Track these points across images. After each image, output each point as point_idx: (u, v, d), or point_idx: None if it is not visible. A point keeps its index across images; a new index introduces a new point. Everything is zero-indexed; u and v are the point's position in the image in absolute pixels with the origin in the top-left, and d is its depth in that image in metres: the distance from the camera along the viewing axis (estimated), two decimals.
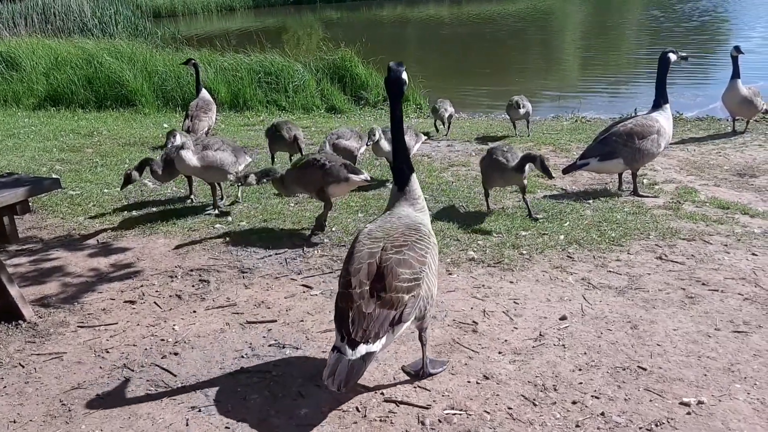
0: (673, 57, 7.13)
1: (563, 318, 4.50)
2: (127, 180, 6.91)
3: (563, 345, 4.19)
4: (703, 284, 4.90)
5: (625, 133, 6.92)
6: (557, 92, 16.08)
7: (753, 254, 5.41)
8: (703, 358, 3.95)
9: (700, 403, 3.53)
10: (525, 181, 6.43)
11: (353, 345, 3.14)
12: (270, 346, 4.31)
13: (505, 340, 4.26)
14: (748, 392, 3.61)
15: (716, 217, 6.27)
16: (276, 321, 4.63)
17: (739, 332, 4.22)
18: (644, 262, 5.35)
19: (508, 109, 10.30)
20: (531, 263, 5.41)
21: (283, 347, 4.28)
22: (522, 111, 10.07)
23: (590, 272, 5.19)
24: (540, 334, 4.32)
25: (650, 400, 3.58)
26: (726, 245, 5.62)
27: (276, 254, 5.81)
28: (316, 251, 5.81)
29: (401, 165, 3.85)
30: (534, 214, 6.46)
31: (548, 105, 14.57)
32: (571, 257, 5.48)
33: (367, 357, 3.16)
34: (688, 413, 3.45)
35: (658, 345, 4.11)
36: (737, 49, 9.66)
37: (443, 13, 41.96)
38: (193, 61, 10.78)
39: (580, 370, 3.91)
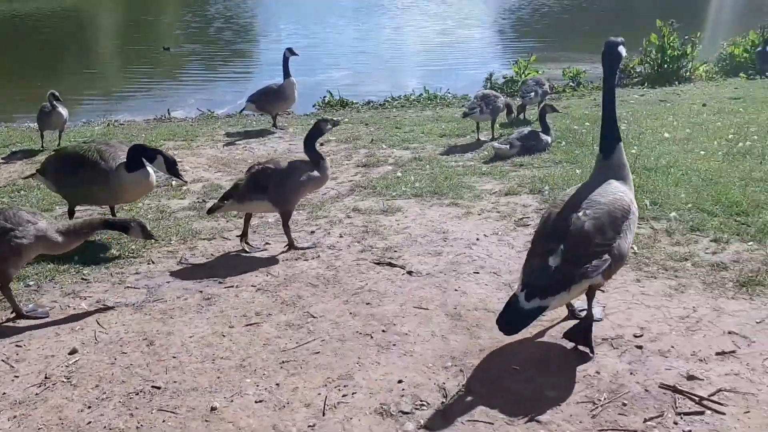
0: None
1: (73, 351, 4.04)
2: None
3: (72, 383, 3.74)
4: (220, 282, 4.93)
5: None
6: (90, 94, 15.11)
7: (267, 243, 5.71)
8: (217, 360, 3.94)
9: (213, 409, 3.48)
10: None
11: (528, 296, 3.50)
12: None
13: (3, 393, 3.63)
14: (257, 384, 3.70)
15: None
16: None
17: (251, 324, 4.33)
18: (164, 270, 5.17)
19: (39, 117, 9.20)
20: (39, 294, 4.78)
21: None
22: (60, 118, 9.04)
23: (106, 292, 4.80)
24: (46, 377, 3.80)
25: (163, 421, 3.41)
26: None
27: None
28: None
29: (608, 132, 3.95)
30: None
31: (81, 108, 13.54)
32: (86, 279, 5.00)
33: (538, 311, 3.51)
34: (206, 420, 3.38)
35: (174, 357, 3.97)
36: (290, 51, 10.31)
37: None
38: None
39: (89, 407, 3.53)
